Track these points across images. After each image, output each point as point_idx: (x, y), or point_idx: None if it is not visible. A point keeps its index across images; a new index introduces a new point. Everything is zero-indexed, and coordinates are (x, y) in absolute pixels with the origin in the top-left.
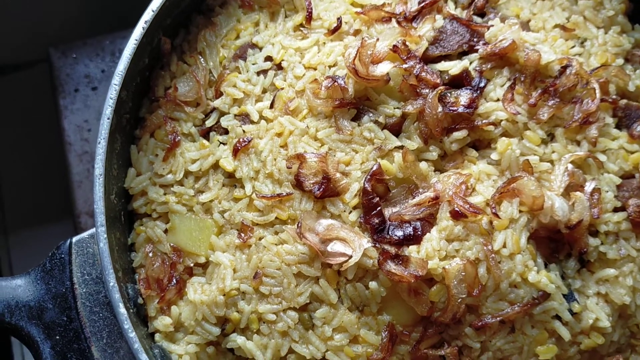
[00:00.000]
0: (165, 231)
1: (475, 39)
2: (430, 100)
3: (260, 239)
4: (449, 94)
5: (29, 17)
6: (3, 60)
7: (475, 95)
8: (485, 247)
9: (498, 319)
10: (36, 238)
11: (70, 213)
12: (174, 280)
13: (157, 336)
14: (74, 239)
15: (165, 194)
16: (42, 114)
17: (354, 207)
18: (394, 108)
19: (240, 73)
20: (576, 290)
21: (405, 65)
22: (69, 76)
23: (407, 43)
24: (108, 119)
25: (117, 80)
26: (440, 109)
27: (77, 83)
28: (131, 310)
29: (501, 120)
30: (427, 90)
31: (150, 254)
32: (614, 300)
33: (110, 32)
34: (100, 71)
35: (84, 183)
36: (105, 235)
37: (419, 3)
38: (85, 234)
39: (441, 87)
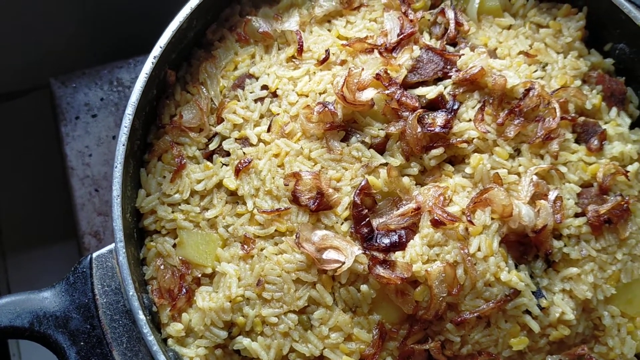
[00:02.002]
0: (174, 246)
1: (448, 67)
2: (410, 122)
3: (261, 249)
4: (426, 116)
5: (29, 49)
6: (5, 87)
7: (449, 116)
8: (462, 251)
9: (475, 314)
10: (36, 259)
11: (74, 235)
12: (184, 290)
13: (169, 341)
14: (94, 255)
15: (173, 212)
16: (43, 139)
17: (345, 219)
18: (379, 129)
19: (239, 101)
20: (544, 287)
21: (387, 91)
22: (70, 105)
23: (389, 71)
24: (123, 145)
25: (130, 110)
26: (419, 129)
27: (77, 111)
28: (147, 317)
29: (473, 138)
30: (407, 113)
31: (161, 267)
32: (578, 296)
33: (107, 62)
34: (99, 99)
35: (86, 205)
36: (124, 250)
37: (398, 35)
38: (104, 250)
39: (420, 110)
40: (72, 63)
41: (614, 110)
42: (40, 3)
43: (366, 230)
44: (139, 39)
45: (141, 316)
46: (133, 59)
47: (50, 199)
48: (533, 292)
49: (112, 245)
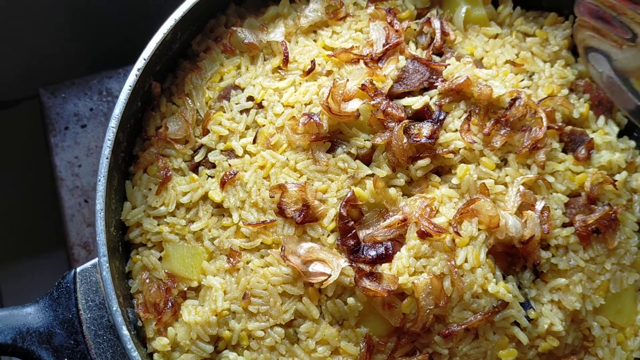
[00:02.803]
0: (160, 259)
1: (434, 77)
2: (396, 132)
3: (247, 262)
4: (412, 127)
5: (18, 59)
6: None
7: (435, 127)
8: (449, 263)
9: (463, 327)
10: (27, 270)
11: (64, 246)
12: (170, 303)
13: (155, 356)
14: (78, 269)
15: (159, 224)
16: (32, 149)
17: (332, 231)
18: (365, 140)
19: (224, 112)
20: (532, 298)
21: (373, 102)
22: (59, 115)
23: (374, 82)
24: (107, 158)
25: (114, 123)
26: (405, 140)
27: (66, 121)
28: (132, 332)
29: (459, 149)
30: (393, 124)
31: (147, 280)
32: (566, 307)
33: (97, 71)
34: (89, 109)
35: (76, 216)
36: (108, 265)
37: (384, 45)
38: (88, 264)
39: (405, 121)
40: (62, 73)
41: (602, 118)
42: (30, 13)
43: (352, 243)
44: (128, 48)
45: (125, 332)
46: (123, 69)
47: (40, 209)
48: (521, 304)
49: (96, 260)
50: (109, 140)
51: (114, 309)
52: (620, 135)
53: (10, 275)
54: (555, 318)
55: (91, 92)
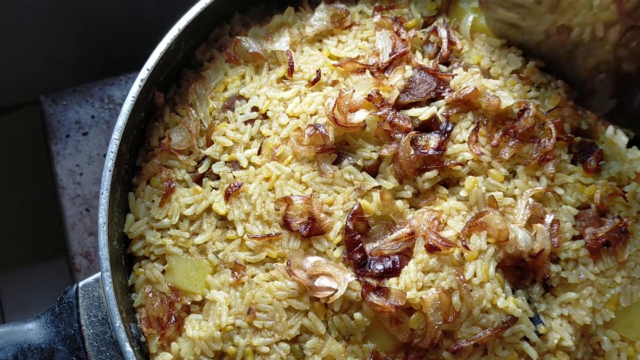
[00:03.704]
0: (163, 272)
1: (441, 87)
2: (403, 144)
3: (252, 276)
4: (419, 138)
5: (18, 65)
6: None
7: (443, 138)
8: (457, 277)
9: (472, 342)
10: (27, 279)
11: (65, 255)
12: (173, 318)
13: None
14: (80, 284)
15: (162, 237)
16: (33, 156)
17: (338, 244)
18: (371, 152)
19: (229, 123)
20: (541, 313)
21: (379, 113)
22: (60, 122)
23: (381, 92)
24: (110, 171)
25: (117, 135)
26: (412, 151)
27: (68, 129)
28: (135, 348)
29: (467, 160)
30: (400, 135)
31: (150, 294)
32: (576, 321)
33: (99, 79)
34: (90, 117)
35: (77, 225)
36: (111, 280)
37: (390, 55)
38: (90, 279)
39: (412, 132)
40: (63, 80)
41: (610, 128)
42: (31, 19)
43: (359, 256)
44: (130, 55)
45: (128, 348)
46: (124, 76)
47: (41, 217)
48: (531, 318)
49: (98, 274)
50: (112, 152)
51: (117, 325)
52: (629, 145)
53: (11, 284)
54: (565, 333)
55: (93, 99)
